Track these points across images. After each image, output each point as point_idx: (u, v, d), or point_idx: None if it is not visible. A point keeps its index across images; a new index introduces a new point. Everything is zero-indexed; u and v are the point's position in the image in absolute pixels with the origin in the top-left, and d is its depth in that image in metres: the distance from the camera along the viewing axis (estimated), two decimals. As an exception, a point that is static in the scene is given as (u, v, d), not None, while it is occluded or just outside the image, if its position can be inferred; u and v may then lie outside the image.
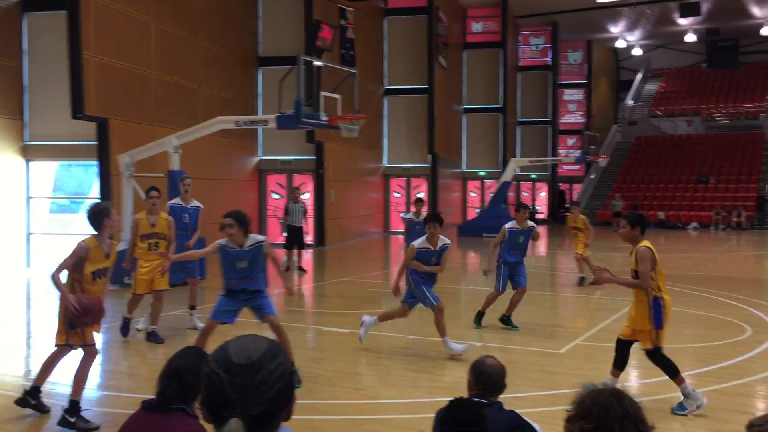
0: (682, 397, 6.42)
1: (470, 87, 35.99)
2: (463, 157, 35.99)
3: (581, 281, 14.60)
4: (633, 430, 2.29)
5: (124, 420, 3.20)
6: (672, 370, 6.45)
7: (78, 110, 15.21)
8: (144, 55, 17.50)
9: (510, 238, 10.16)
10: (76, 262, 6.15)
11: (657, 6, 38.38)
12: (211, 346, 5.74)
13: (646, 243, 6.51)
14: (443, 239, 8.52)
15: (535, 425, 3.81)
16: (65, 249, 6.33)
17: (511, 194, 35.85)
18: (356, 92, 14.42)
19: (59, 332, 6.24)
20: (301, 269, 16.86)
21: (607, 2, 36.28)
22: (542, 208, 40.00)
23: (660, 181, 37.28)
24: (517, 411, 3.87)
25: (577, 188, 40.66)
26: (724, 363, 7.88)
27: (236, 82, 22.23)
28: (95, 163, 16.28)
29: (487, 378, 3.90)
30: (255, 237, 7.15)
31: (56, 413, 6.25)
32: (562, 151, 40.36)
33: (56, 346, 6.30)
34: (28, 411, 6.30)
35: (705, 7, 37.96)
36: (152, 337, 9.32)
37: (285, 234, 16.62)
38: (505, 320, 10.17)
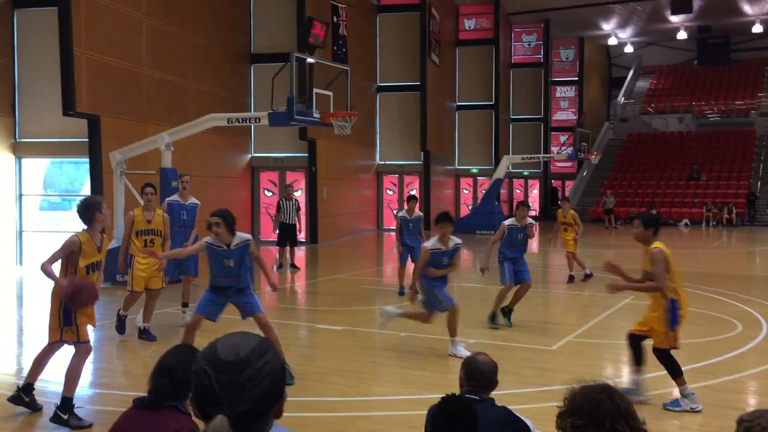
0: (678, 395, 6.45)
1: (463, 84, 36.00)
2: (455, 154, 36.01)
3: (571, 279, 14.64)
4: (624, 426, 2.30)
5: (116, 418, 3.20)
6: (676, 371, 6.44)
7: (69, 107, 15.14)
8: (135, 52, 17.43)
9: (509, 235, 10.18)
10: (68, 257, 6.14)
11: (648, 3, 38.50)
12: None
13: (658, 244, 6.48)
14: (454, 239, 8.48)
15: (528, 421, 3.82)
16: (56, 246, 6.31)
17: (503, 191, 35.92)
18: (348, 89, 14.41)
19: (52, 329, 6.21)
20: (294, 266, 16.85)
21: (599, -1, 36.38)
22: (534, 205, 40.08)
23: (651, 177, 37.40)
24: (509, 407, 3.88)
25: (570, 185, 40.76)
26: (715, 359, 7.91)
27: (228, 79, 22.18)
28: (87, 160, 16.22)
29: (479, 375, 3.91)
30: (241, 236, 7.16)
31: (48, 411, 6.24)
32: (554, 148, 40.43)
33: (49, 343, 6.28)
34: (21, 409, 6.28)
35: (696, 4, 38.09)
36: (144, 334, 9.29)
37: (277, 231, 16.59)
38: (506, 312, 10.18)
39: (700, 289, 13.34)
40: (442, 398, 3.43)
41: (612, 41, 45.43)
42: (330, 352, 8.83)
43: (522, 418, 3.83)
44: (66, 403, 6.00)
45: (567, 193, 38.56)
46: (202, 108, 18.31)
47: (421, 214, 13.32)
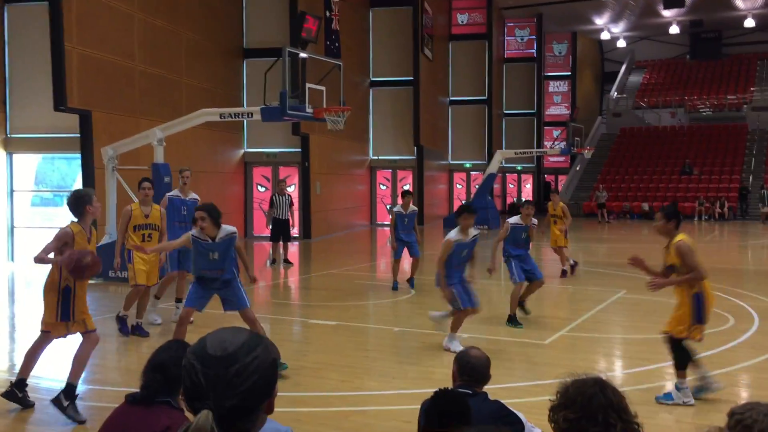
0: (671, 389, 6.46)
1: (456, 79, 35.99)
2: (449, 148, 36.02)
3: (564, 274, 14.66)
4: (616, 419, 2.31)
5: (109, 413, 3.19)
6: (683, 363, 6.42)
7: (60, 102, 15.07)
8: (127, 47, 17.35)
9: (513, 233, 10.13)
10: (62, 248, 6.13)
11: (641, -2, 38.54)
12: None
13: (682, 236, 6.45)
14: (472, 231, 8.42)
15: (520, 415, 3.83)
16: (49, 239, 6.31)
17: (496, 186, 35.95)
18: (341, 84, 14.38)
19: (54, 325, 6.17)
20: (287, 261, 16.83)
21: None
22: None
23: (644, 172, 37.48)
24: (502, 401, 3.89)
25: (563, 180, 40.83)
26: (708, 352, 7.93)
27: (221, 73, 22.11)
28: (78, 155, 16.15)
29: (472, 369, 3.91)
30: (227, 228, 7.22)
31: (40, 407, 6.22)
32: (547, 143, 40.47)
33: (45, 336, 6.27)
34: (13, 405, 6.26)
35: (689, -1, 38.17)
36: (137, 330, 9.26)
37: (270, 227, 16.58)
38: (521, 304, 10.19)
39: (693, 283, 13.36)
40: (435, 392, 3.44)
41: (605, 36, 45.48)
42: (323, 347, 8.83)
43: (515, 411, 3.84)
44: (70, 390, 6.02)
45: (560, 189, 38.62)
46: (195, 103, 18.24)
47: (416, 209, 13.31)
